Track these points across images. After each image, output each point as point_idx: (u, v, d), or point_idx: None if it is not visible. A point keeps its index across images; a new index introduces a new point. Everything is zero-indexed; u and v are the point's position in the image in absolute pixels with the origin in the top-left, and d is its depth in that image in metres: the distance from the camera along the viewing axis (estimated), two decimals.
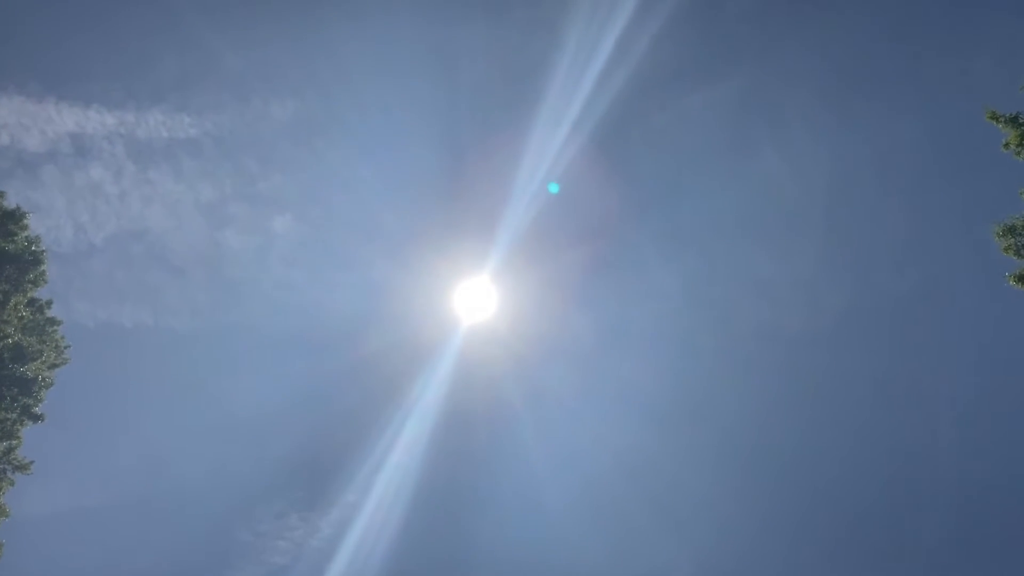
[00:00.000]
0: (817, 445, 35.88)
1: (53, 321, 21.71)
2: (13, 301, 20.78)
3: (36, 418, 21.53)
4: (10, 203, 20.60)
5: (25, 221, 20.59)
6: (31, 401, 21.26)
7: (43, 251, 20.86)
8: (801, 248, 36.65)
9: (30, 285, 20.91)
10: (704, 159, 36.92)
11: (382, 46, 35.01)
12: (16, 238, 20.47)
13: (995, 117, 16.98)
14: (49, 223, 30.35)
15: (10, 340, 20.92)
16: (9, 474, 21.13)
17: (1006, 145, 16.84)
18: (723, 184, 36.37)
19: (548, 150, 32.53)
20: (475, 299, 34.56)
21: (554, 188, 34.23)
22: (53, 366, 21.61)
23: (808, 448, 35.76)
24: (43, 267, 20.87)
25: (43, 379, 21.48)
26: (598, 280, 35.74)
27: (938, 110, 35.63)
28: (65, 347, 21.97)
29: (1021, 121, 16.68)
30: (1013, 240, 16.85)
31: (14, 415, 21.25)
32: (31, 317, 21.28)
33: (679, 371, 35.40)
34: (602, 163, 34.78)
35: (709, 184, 36.39)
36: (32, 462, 21.64)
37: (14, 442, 21.41)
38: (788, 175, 36.50)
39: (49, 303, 21.54)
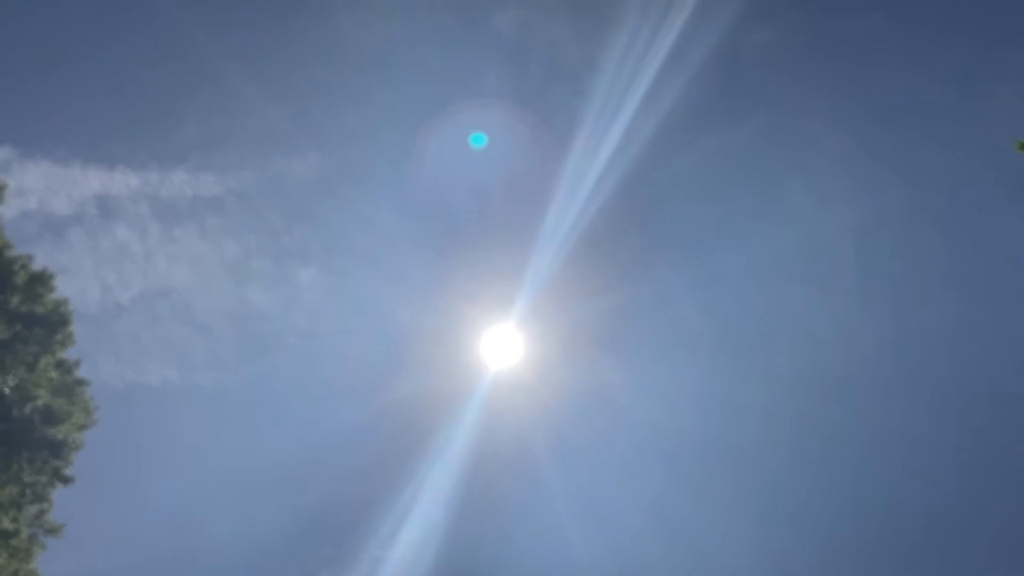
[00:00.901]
0: (856, 496, 34.97)
1: (81, 382, 21.70)
2: (42, 363, 20.83)
3: (66, 480, 21.46)
4: (37, 266, 20.77)
5: (52, 283, 20.74)
6: (61, 463, 21.20)
7: (70, 312, 20.97)
8: (835, 288, 36.11)
9: (58, 346, 20.97)
10: (731, 200, 36.70)
11: (405, 94, 35.29)
12: (44, 300, 20.59)
13: None
14: (76, 284, 30.57)
15: (40, 402, 20.95)
16: (41, 538, 21.01)
17: None
18: (751, 225, 36.04)
19: (575, 197, 32.42)
20: (501, 346, 34.30)
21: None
22: (82, 427, 21.57)
23: (847, 499, 34.88)
24: (70, 328, 20.95)
25: (72, 441, 21.45)
26: (627, 326, 35.37)
27: (968, 142, 35.27)
28: (94, 408, 21.95)
29: None
30: None
31: (45, 478, 21.20)
32: (60, 378, 21.30)
33: (711, 420, 34.76)
34: (629, 207, 34.56)
35: (738, 225, 36.09)
36: (63, 525, 21.56)
37: (45, 505, 21.33)
38: (817, 214, 36.15)
39: (77, 363, 21.57)
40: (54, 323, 20.75)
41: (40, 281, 20.57)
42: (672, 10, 31.04)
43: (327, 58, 35.33)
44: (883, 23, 36.00)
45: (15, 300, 20.37)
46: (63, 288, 21.35)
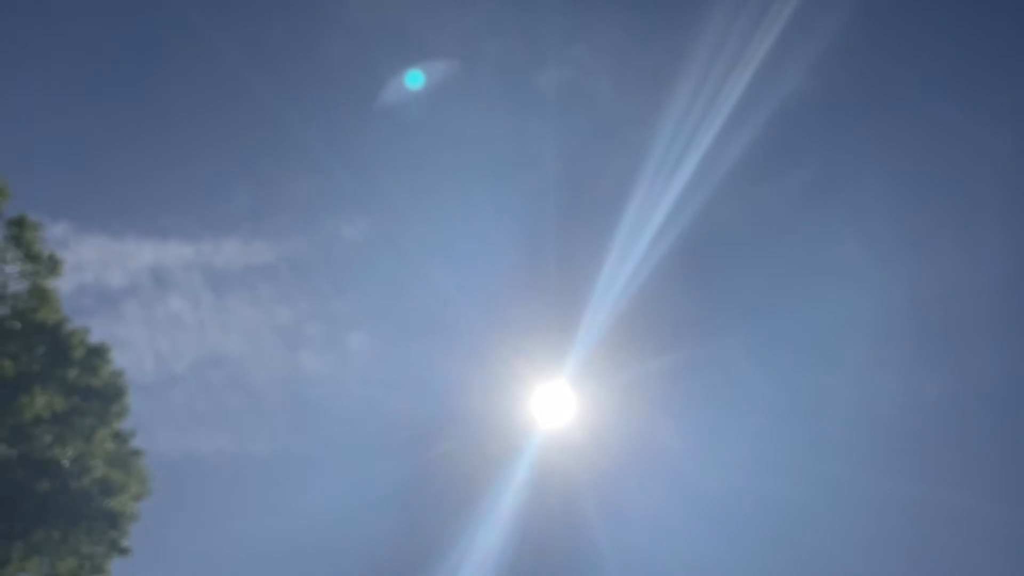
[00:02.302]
0: (908, 570, 33.68)
1: (137, 452, 21.95)
2: (99, 434, 21.14)
3: (123, 552, 21.59)
4: (94, 338, 21.18)
5: (109, 355, 21.11)
6: (118, 534, 21.36)
7: (126, 383, 21.30)
8: (895, 352, 35.15)
9: (115, 418, 21.28)
10: (787, 256, 36.13)
11: (454, 157, 35.62)
12: (100, 372, 20.95)
13: None
14: (131, 355, 31.03)
15: (98, 473, 21.20)
16: None
17: None
18: (808, 282, 35.39)
19: (630, 254, 32.21)
20: (553, 404, 33.88)
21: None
22: (138, 498, 21.74)
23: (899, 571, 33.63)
24: (126, 399, 21.27)
25: (129, 512, 21.61)
26: (681, 387, 34.69)
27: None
28: (149, 478, 22.14)
29: None
30: None
31: (103, 549, 21.35)
32: (116, 449, 21.56)
33: (765, 486, 33.78)
34: (685, 264, 34.18)
35: (794, 283, 35.48)
36: None
37: None
38: (874, 268, 35.41)
39: (133, 434, 21.84)
40: (110, 395, 21.08)
41: (97, 354, 20.96)
42: (736, 64, 30.98)
43: (375, 124, 35.90)
44: (940, 73, 35.67)
45: (73, 373, 20.74)
46: (118, 359, 21.78)
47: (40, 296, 20.75)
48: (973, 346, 35.16)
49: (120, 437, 21.72)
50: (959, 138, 35.54)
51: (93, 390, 20.93)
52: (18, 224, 20.75)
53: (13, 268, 20.85)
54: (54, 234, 27.65)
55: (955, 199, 35.80)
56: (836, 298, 34.84)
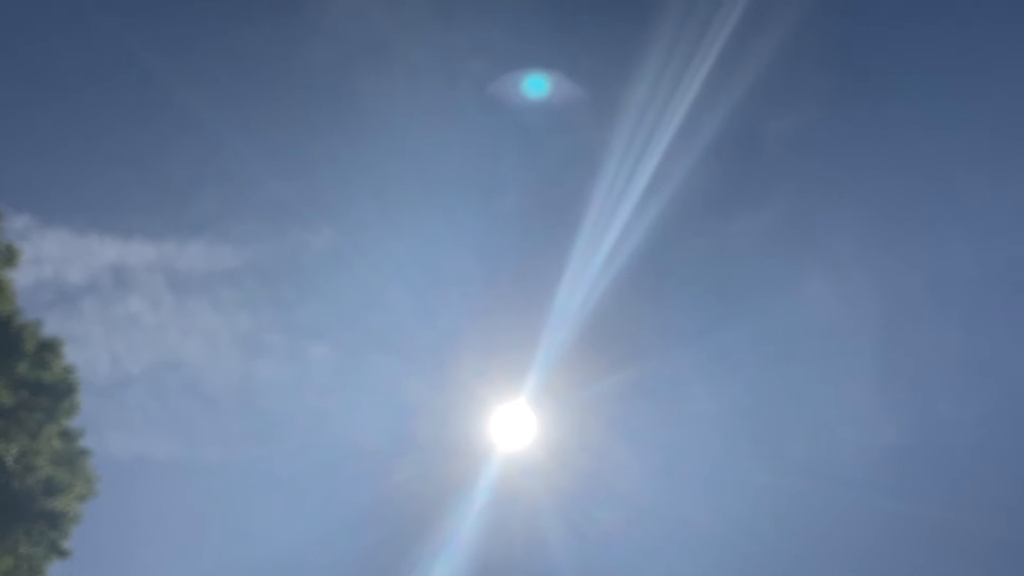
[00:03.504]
0: None
1: (84, 452, 21.35)
2: (46, 431, 20.53)
3: (63, 554, 20.96)
4: (47, 332, 20.62)
5: (61, 350, 20.57)
6: (58, 536, 20.73)
7: (77, 380, 20.74)
8: (853, 377, 35.56)
9: (63, 415, 20.69)
10: (748, 285, 36.50)
11: (421, 173, 35.60)
12: (52, 367, 20.40)
13: None
14: (86, 355, 30.40)
15: (42, 472, 20.57)
16: None
17: None
18: (768, 311, 35.72)
19: (586, 274, 32.33)
20: (512, 425, 33.66)
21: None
22: (82, 498, 21.13)
23: None
24: (77, 396, 20.70)
25: (72, 513, 20.99)
26: (642, 405, 34.78)
27: (994, 231, 35.11)
28: (96, 479, 21.53)
29: None
30: None
31: (41, 550, 20.69)
32: (63, 448, 20.95)
33: (731, 506, 33.89)
34: (642, 287, 34.40)
35: (754, 311, 35.79)
36: None
37: None
38: (836, 302, 35.83)
39: (81, 433, 21.25)
40: (61, 391, 20.51)
41: (49, 348, 20.40)
42: (688, 93, 31.45)
43: (346, 135, 35.73)
44: (906, 109, 36.27)
45: (22, 367, 20.17)
46: (73, 357, 21.23)
47: None
48: (938, 364, 35.70)
49: (68, 435, 21.11)
50: (926, 180, 36.18)
51: (43, 385, 20.34)
52: None
53: None
54: (15, 226, 27.05)
55: (921, 238, 36.40)
56: (795, 328, 35.21)
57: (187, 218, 35.63)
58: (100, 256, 33.66)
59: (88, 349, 32.54)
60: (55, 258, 32.76)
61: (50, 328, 20.86)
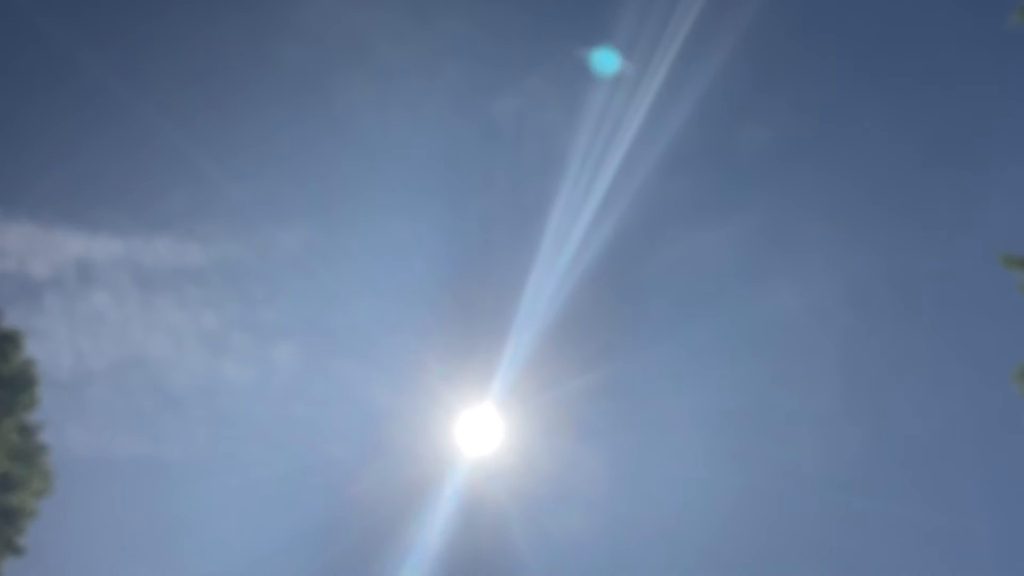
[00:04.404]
0: None
1: (43, 447, 21.03)
2: (4, 426, 20.19)
3: (18, 551, 20.63)
4: (6, 324, 20.29)
5: (21, 342, 20.25)
6: (14, 532, 20.40)
7: (37, 373, 20.42)
8: (822, 378, 35.83)
9: (22, 409, 20.36)
10: (714, 285, 36.68)
11: (388, 175, 35.47)
12: (11, 359, 20.06)
13: (1011, 261, 16.61)
14: (48, 349, 29.89)
15: None
16: None
17: None
18: (735, 311, 35.94)
19: (553, 277, 32.39)
20: (478, 429, 33.55)
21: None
22: (39, 495, 20.79)
23: None
24: (36, 389, 20.37)
25: (28, 509, 20.66)
26: (607, 409, 34.80)
27: (964, 245, 35.47)
28: (53, 475, 21.20)
29: None
30: None
31: None
32: (21, 443, 20.60)
33: (698, 508, 33.97)
34: (608, 288, 34.49)
35: (722, 316, 35.98)
36: None
37: None
38: (804, 301, 36.08)
39: (40, 428, 20.91)
40: (20, 384, 20.20)
41: (8, 340, 20.10)
42: (670, 103, 31.67)
43: (322, 135, 35.54)
44: (880, 125, 36.65)
45: None
46: (35, 352, 20.94)
47: None
48: (901, 365, 36.03)
49: (26, 430, 20.79)
50: (898, 195, 36.55)
51: (1, 378, 20.02)
52: None
53: None
54: None
55: (892, 252, 36.76)
56: (764, 315, 35.46)
57: (154, 214, 35.20)
58: (65, 250, 33.18)
59: (51, 344, 32.00)
60: (19, 251, 32.24)
61: (12, 322, 20.62)
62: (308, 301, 36.64)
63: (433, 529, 31.73)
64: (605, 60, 31.60)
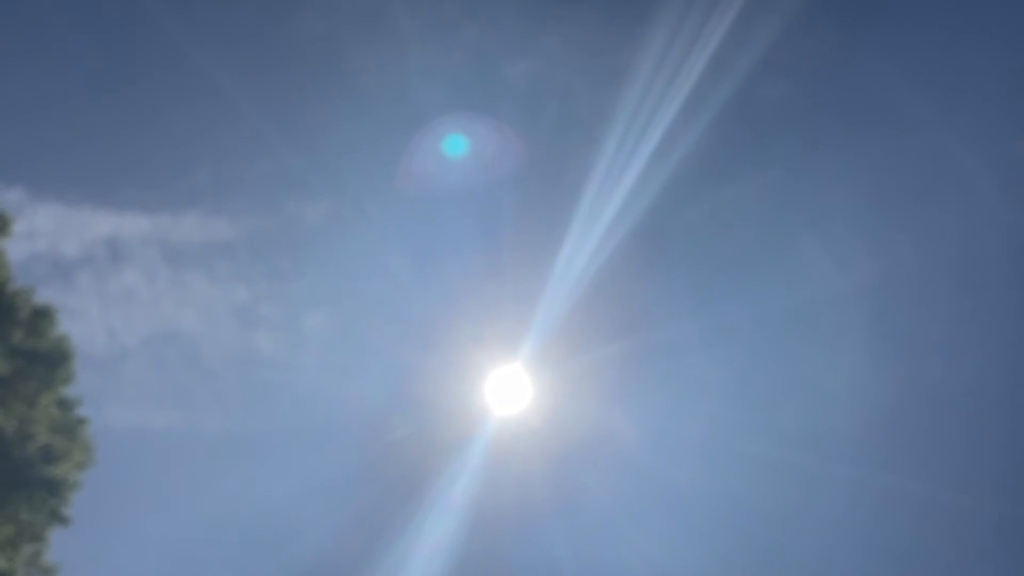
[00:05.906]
0: (863, 557, 34.00)
1: (82, 420, 21.52)
2: (43, 400, 20.68)
3: (64, 521, 21.18)
4: (39, 300, 20.69)
5: (55, 318, 20.66)
6: (58, 503, 20.93)
7: (72, 348, 20.84)
8: (847, 349, 35.56)
9: (60, 383, 20.82)
10: (744, 252, 36.44)
11: (416, 142, 35.43)
12: (46, 335, 20.49)
13: None
14: (83, 327, 30.52)
15: (40, 441, 20.73)
16: None
17: None
18: (763, 278, 35.68)
19: (587, 242, 32.29)
20: (508, 390, 33.82)
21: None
22: (81, 466, 21.31)
23: (854, 559, 33.94)
24: (72, 364, 20.80)
25: (71, 480, 21.18)
26: (639, 374, 34.87)
27: (986, 198, 34.94)
28: (93, 447, 21.69)
29: None
30: None
31: (42, 517, 20.90)
32: (60, 416, 21.11)
33: (719, 473, 34.04)
34: (642, 257, 34.35)
35: (750, 278, 35.75)
36: (59, 566, 21.22)
37: (41, 545, 21.01)
38: (830, 269, 35.76)
39: (78, 401, 21.40)
40: (56, 359, 20.63)
41: (43, 316, 20.50)
42: (688, 60, 31.27)
43: (341, 104, 35.59)
44: (901, 79, 36.01)
45: (17, 335, 20.28)
46: (69, 330, 21.32)
47: None
48: (934, 337, 35.74)
49: (64, 404, 21.27)
50: (918, 148, 36.02)
51: (38, 353, 20.46)
52: None
53: None
54: (9, 199, 27.15)
55: (915, 207, 36.27)
56: (795, 285, 35.25)
57: (181, 190, 35.62)
58: (94, 229, 33.72)
59: (84, 322, 32.67)
60: (49, 232, 32.82)
61: (46, 301, 20.98)
62: (337, 270, 36.98)
63: (460, 483, 32.28)
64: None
